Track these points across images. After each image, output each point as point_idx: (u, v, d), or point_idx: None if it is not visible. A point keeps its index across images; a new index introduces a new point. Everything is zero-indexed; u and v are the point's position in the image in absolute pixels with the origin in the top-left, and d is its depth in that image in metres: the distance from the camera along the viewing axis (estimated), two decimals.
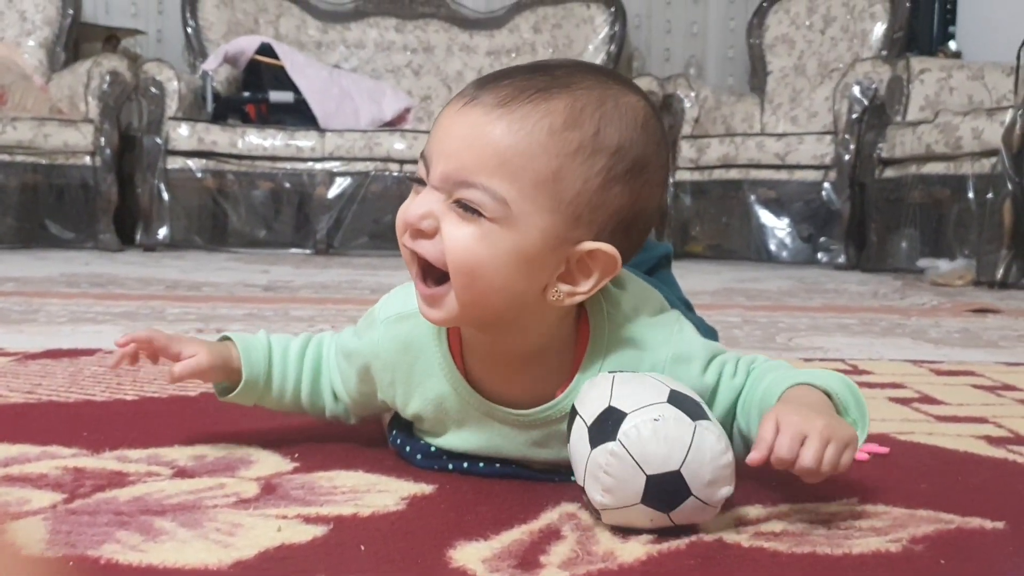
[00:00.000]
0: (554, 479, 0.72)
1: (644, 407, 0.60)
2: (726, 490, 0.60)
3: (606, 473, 0.60)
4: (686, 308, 0.89)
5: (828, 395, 0.66)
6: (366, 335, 0.75)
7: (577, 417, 0.64)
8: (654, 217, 0.68)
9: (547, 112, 0.62)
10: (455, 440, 0.74)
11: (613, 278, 0.67)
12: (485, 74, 0.67)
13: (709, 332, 0.91)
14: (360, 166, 3.76)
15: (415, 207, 0.64)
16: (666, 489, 0.59)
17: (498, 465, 0.73)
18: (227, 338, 0.80)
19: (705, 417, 0.61)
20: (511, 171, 0.62)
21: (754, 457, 0.60)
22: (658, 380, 0.63)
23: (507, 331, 0.68)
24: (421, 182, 0.65)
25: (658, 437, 0.59)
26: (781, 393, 0.66)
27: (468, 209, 0.62)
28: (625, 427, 0.60)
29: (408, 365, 0.73)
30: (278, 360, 0.80)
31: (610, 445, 0.60)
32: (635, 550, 0.59)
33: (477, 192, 0.62)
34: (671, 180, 3.88)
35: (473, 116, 0.63)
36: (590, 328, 0.69)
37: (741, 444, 0.70)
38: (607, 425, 0.61)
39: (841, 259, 3.54)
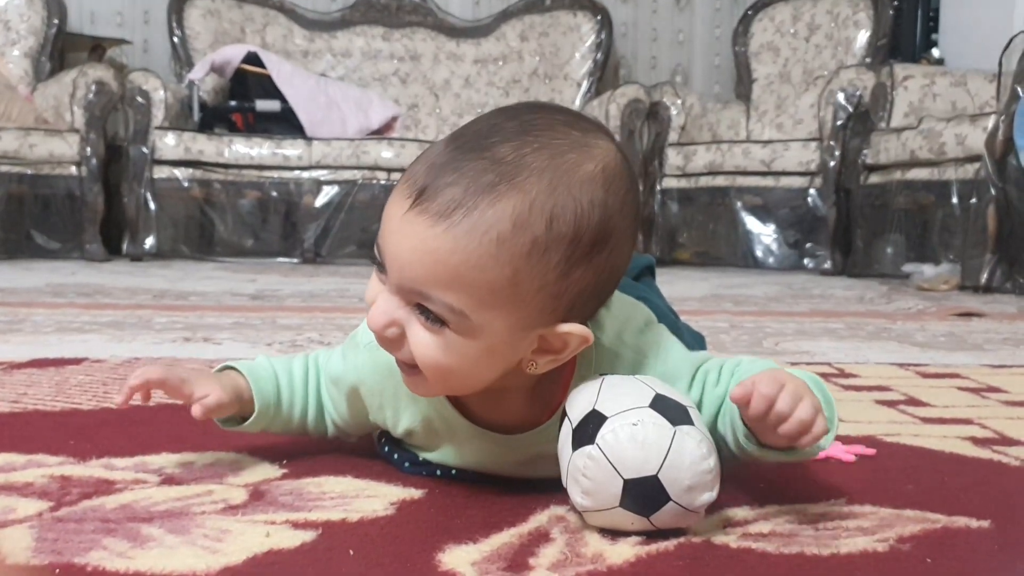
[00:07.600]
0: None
1: (624, 411, 0.60)
2: (707, 496, 0.60)
3: (584, 476, 0.60)
4: (673, 316, 0.90)
5: None
6: (350, 360, 0.75)
7: (566, 419, 0.64)
8: (626, 265, 0.67)
9: (494, 219, 0.59)
10: (445, 456, 0.74)
11: None
12: (432, 150, 0.63)
13: (696, 339, 0.91)
14: (347, 175, 3.76)
15: (378, 315, 0.63)
16: (644, 493, 0.59)
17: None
18: (229, 367, 0.78)
19: (687, 422, 0.61)
20: (465, 285, 0.60)
21: (738, 392, 0.61)
22: (645, 384, 0.63)
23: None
24: (381, 267, 0.64)
25: (635, 441, 0.59)
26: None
27: (431, 318, 0.62)
28: (603, 431, 0.60)
29: (394, 389, 0.72)
30: (285, 386, 0.79)
31: (588, 448, 0.60)
32: (624, 552, 0.59)
33: (435, 304, 0.61)
34: (658, 187, 3.90)
35: (419, 227, 0.60)
36: (576, 355, 0.69)
37: (724, 450, 0.69)
38: (588, 428, 0.61)
39: (827, 265, 3.57)
